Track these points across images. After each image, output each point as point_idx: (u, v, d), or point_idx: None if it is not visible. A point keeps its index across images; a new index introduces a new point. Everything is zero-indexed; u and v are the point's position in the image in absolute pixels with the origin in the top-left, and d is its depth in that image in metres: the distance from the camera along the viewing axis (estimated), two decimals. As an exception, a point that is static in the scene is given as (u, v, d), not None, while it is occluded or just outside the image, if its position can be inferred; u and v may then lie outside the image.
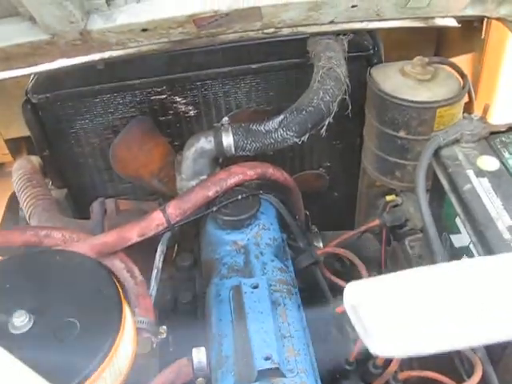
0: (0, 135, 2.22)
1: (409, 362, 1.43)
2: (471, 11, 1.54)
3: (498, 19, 1.58)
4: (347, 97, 1.62)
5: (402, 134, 1.71)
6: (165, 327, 1.27)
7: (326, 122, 1.57)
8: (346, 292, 0.83)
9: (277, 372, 1.08)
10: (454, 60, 1.88)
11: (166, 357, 1.26)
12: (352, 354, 1.38)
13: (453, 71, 1.78)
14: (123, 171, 1.81)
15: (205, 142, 1.60)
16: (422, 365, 1.34)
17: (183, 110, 1.94)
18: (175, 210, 1.41)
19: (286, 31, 1.58)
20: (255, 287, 1.25)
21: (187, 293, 1.49)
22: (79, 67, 1.60)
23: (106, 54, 1.56)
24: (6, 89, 1.90)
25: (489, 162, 1.32)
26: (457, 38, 2.17)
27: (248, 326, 1.15)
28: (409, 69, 1.71)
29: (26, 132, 1.96)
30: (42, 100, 1.84)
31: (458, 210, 1.29)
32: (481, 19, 1.93)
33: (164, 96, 1.90)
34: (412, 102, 1.65)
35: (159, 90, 1.88)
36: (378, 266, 1.87)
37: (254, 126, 1.56)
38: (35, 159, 2.01)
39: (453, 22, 1.66)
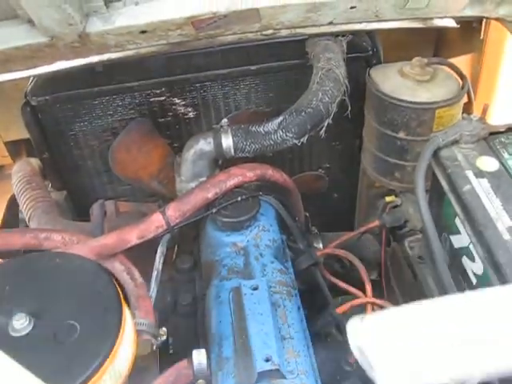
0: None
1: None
2: (470, 12, 1.54)
3: (496, 19, 1.58)
4: (346, 98, 1.62)
5: (401, 134, 1.71)
6: (165, 329, 1.27)
7: (326, 123, 1.57)
8: (350, 331, 0.83)
9: (277, 373, 1.08)
10: (453, 61, 1.88)
11: (166, 359, 1.26)
12: (352, 356, 1.38)
13: (452, 72, 1.79)
14: (122, 173, 1.81)
15: (204, 144, 1.60)
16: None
17: (182, 111, 1.94)
18: (175, 211, 1.41)
19: (284, 32, 1.58)
20: (255, 289, 1.24)
21: (187, 294, 1.49)
22: (78, 69, 1.60)
23: (105, 56, 1.57)
24: (5, 91, 1.90)
25: (488, 163, 1.32)
26: (456, 39, 2.17)
27: (248, 328, 1.15)
28: (408, 70, 1.72)
29: (25, 134, 1.96)
30: (41, 102, 1.83)
31: (458, 210, 1.29)
32: (480, 20, 1.94)
33: (163, 98, 1.90)
34: (411, 102, 1.65)
35: (158, 91, 1.88)
36: (377, 267, 1.87)
37: (254, 128, 1.56)
38: (35, 161, 2.01)
39: (452, 23, 1.67)
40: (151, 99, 1.89)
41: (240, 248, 1.44)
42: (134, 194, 2.07)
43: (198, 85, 1.89)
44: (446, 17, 1.61)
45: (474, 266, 1.26)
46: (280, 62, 1.88)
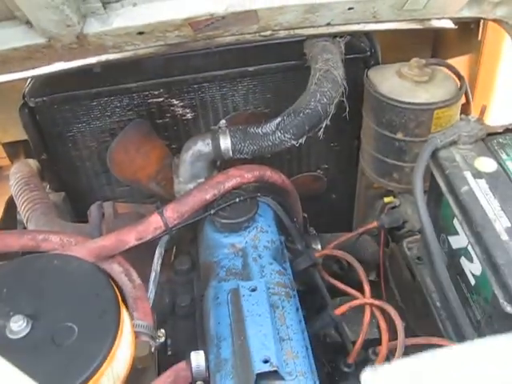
0: (-2, 139, 2.21)
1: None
2: (468, 13, 1.54)
3: (494, 20, 1.58)
4: (344, 99, 1.62)
5: (399, 135, 1.71)
6: (163, 331, 1.27)
7: (324, 125, 1.57)
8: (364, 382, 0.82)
9: (275, 375, 1.07)
10: (451, 61, 1.88)
11: (165, 360, 1.26)
12: (351, 356, 1.39)
13: (450, 73, 1.79)
14: (121, 174, 1.81)
15: (202, 145, 1.60)
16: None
17: (180, 112, 1.94)
18: (173, 213, 1.41)
19: (282, 33, 1.58)
20: (253, 290, 1.24)
21: (185, 296, 1.49)
22: (76, 70, 1.60)
23: (103, 58, 1.57)
24: (2, 92, 1.89)
25: (486, 164, 1.32)
26: (453, 40, 2.17)
27: (246, 329, 1.15)
28: (406, 70, 1.72)
29: (23, 136, 1.96)
30: (39, 103, 1.83)
31: (456, 211, 1.29)
32: (477, 21, 1.94)
33: (161, 99, 1.90)
34: (409, 103, 1.65)
35: (156, 93, 1.88)
36: (376, 268, 1.87)
37: (252, 129, 1.56)
38: (33, 163, 2.01)
39: (449, 24, 1.67)
40: (149, 100, 1.89)
41: (238, 249, 1.44)
42: (132, 195, 2.07)
43: (196, 86, 1.89)
44: (443, 18, 1.61)
45: (473, 267, 1.26)
46: (278, 63, 1.88)
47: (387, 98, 1.68)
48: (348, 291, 1.48)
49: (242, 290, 1.24)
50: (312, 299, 1.51)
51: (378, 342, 1.36)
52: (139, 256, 1.40)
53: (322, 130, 1.58)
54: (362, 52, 1.89)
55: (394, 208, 1.88)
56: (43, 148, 1.95)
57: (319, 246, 1.77)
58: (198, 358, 1.15)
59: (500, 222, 1.19)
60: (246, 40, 1.59)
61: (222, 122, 1.62)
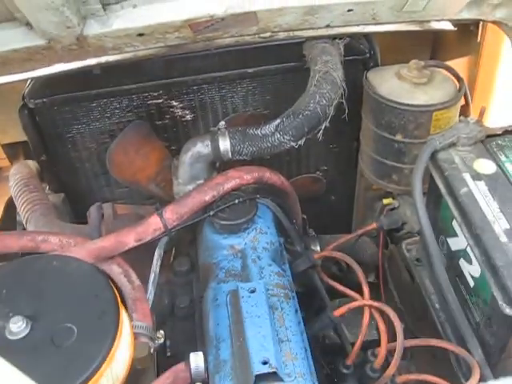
0: (-3, 140, 2.22)
1: (407, 366, 1.43)
2: (467, 14, 1.54)
3: (493, 22, 1.58)
4: (344, 100, 1.62)
5: (398, 137, 1.71)
6: (162, 332, 1.27)
7: (323, 126, 1.57)
8: None
9: (274, 376, 1.07)
10: (450, 63, 1.89)
11: (164, 362, 1.26)
12: (350, 358, 1.39)
13: (449, 74, 1.79)
14: (120, 175, 1.81)
15: (201, 147, 1.60)
16: (420, 368, 1.34)
17: (180, 114, 1.94)
18: (172, 214, 1.41)
19: (282, 35, 1.59)
20: (252, 291, 1.24)
21: (184, 297, 1.49)
22: (76, 72, 1.60)
23: (103, 59, 1.57)
24: (2, 94, 1.89)
25: (485, 165, 1.32)
26: (453, 42, 2.17)
27: (245, 331, 1.15)
28: (405, 72, 1.72)
29: (23, 137, 1.96)
30: (38, 105, 1.83)
31: (455, 213, 1.29)
32: (476, 22, 1.94)
33: (161, 100, 1.90)
34: (408, 105, 1.66)
35: (156, 94, 1.88)
36: (375, 270, 1.87)
37: (251, 130, 1.56)
38: (32, 164, 2.01)
39: (449, 26, 1.67)
40: (149, 102, 1.90)
41: (237, 251, 1.44)
42: (132, 196, 2.07)
43: (195, 87, 1.89)
44: (443, 19, 1.62)
45: (472, 269, 1.27)
46: (277, 64, 1.88)
47: (386, 100, 1.68)
48: (347, 293, 1.48)
49: (241, 292, 1.24)
50: (311, 301, 1.51)
51: (377, 343, 1.36)
52: (138, 257, 1.40)
53: (321, 131, 1.58)
54: (361, 54, 1.89)
55: (393, 210, 1.88)
56: (43, 149, 1.95)
57: (318, 248, 1.77)
58: (197, 359, 1.15)
59: (499, 224, 1.19)
60: (245, 41, 1.59)
61: (222, 123, 1.62)
